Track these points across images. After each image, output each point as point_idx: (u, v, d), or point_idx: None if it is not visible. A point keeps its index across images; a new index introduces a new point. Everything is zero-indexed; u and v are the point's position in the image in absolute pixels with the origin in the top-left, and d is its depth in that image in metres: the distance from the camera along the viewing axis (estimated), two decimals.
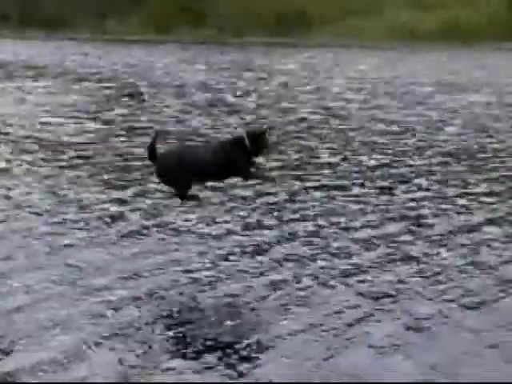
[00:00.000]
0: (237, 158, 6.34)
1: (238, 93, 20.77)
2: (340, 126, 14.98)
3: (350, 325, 5.24)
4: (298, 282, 6.06)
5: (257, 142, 6.41)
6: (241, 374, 4.54)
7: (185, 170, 6.23)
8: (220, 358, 4.72)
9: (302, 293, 5.84)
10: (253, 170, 6.51)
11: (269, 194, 8.87)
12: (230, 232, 7.37)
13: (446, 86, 24.14)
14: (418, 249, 6.98)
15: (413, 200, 8.79)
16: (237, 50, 43.03)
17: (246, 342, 4.96)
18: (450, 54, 42.45)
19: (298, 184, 9.55)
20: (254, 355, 4.79)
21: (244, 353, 4.82)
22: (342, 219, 7.91)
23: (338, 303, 5.61)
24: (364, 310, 5.51)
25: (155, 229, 7.45)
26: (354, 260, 6.61)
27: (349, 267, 6.42)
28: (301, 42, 50.39)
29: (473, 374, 4.59)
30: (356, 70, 29.82)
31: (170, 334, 5.07)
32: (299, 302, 5.67)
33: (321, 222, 7.78)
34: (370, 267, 6.43)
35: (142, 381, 4.38)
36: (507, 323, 5.31)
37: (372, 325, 5.24)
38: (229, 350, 4.82)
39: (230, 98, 19.44)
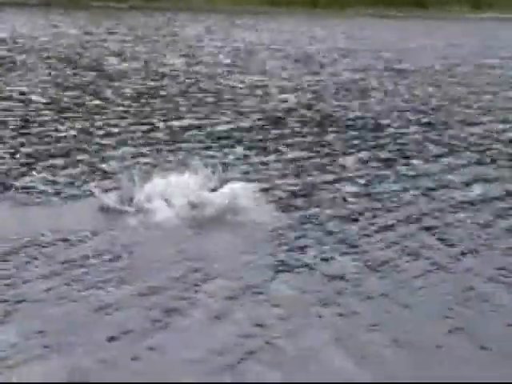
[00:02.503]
0: None
1: (105, 54, 20.46)
2: (209, 88, 15.00)
3: None
4: None
5: None
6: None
7: None
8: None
9: None
10: None
11: None
12: (90, 194, 7.14)
13: (310, 50, 24.57)
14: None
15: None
16: (104, 13, 42.29)
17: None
18: (312, 20, 43.01)
19: (163, 147, 9.49)
20: None
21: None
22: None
23: None
24: None
25: (13, 192, 7.23)
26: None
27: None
28: (166, 6, 50.12)
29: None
30: (224, 34, 29.88)
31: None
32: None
33: None
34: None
35: None
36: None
37: None
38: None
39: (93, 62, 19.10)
